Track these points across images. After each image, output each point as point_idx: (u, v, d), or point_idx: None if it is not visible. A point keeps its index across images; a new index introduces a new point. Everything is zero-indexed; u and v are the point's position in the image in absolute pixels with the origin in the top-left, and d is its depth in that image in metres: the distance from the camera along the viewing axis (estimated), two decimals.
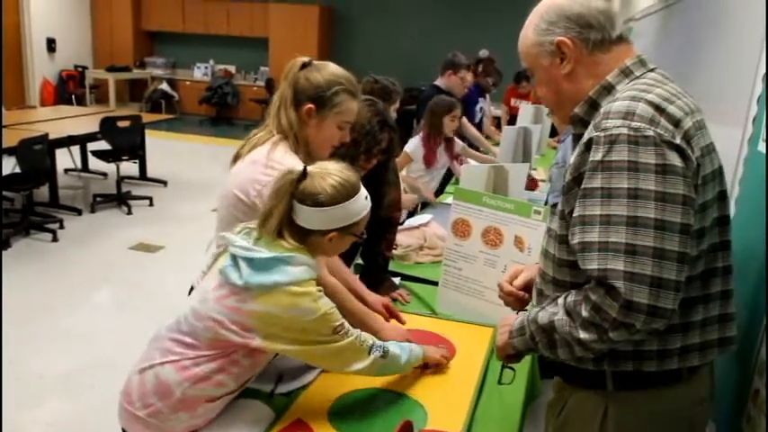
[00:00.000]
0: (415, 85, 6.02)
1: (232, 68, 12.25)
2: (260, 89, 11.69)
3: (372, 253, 2.37)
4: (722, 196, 1.20)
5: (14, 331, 3.58)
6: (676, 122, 1.10)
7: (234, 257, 1.41)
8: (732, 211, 1.68)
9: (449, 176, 4.33)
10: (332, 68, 1.78)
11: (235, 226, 1.78)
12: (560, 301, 1.19)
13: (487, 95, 5.88)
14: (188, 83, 12.24)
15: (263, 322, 1.37)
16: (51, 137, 5.43)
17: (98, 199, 6.20)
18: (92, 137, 6.21)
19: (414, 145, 3.92)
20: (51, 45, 11.12)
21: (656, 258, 1.03)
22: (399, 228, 2.58)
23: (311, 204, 1.40)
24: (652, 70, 1.24)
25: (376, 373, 1.56)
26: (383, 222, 2.34)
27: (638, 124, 1.08)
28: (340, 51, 11.28)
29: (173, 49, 12.57)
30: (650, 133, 1.07)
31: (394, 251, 2.52)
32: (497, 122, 6.32)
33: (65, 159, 6.66)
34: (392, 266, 2.50)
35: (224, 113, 11.92)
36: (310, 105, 1.73)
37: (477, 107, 5.58)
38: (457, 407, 1.62)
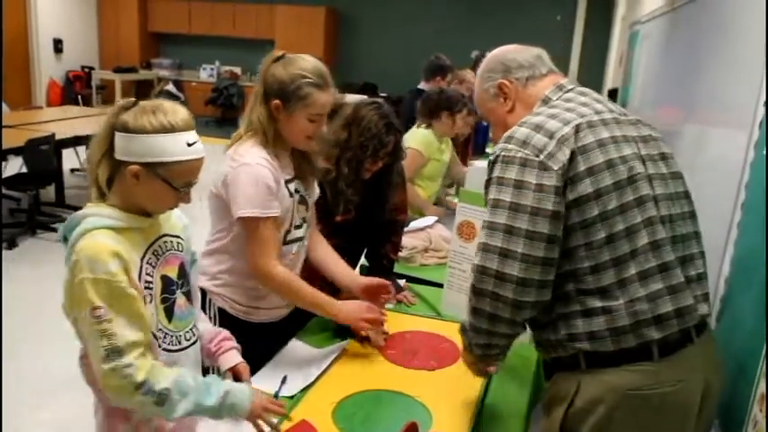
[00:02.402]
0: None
1: (238, 70, 12.28)
2: None
3: (377, 255, 2.37)
4: (634, 180, 1.29)
5: (20, 331, 3.59)
6: (551, 135, 1.29)
7: None
8: (738, 215, 1.68)
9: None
10: (300, 62, 1.76)
11: (216, 221, 1.85)
12: None
13: None
14: (194, 84, 12.26)
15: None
16: (58, 137, 5.45)
17: None
18: None
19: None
20: (58, 46, 11.17)
21: (501, 256, 1.26)
22: (405, 230, 2.58)
23: (120, 130, 1.29)
24: (569, 91, 1.42)
25: (146, 413, 1.35)
26: (388, 225, 2.34)
27: (512, 147, 1.31)
28: (346, 53, 11.28)
29: (179, 50, 12.61)
30: (518, 155, 1.29)
31: (399, 253, 2.52)
32: None
33: (71, 159, 6.67)
34: (397, 268, 2.50)
35: (230, 115, 11.92)
36: (277, 101, 1.74)
37: None
38: (461, 409, 1.62)
